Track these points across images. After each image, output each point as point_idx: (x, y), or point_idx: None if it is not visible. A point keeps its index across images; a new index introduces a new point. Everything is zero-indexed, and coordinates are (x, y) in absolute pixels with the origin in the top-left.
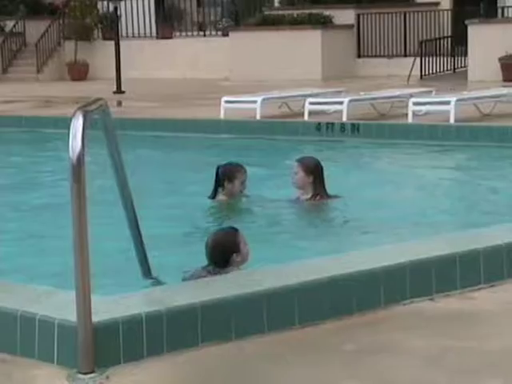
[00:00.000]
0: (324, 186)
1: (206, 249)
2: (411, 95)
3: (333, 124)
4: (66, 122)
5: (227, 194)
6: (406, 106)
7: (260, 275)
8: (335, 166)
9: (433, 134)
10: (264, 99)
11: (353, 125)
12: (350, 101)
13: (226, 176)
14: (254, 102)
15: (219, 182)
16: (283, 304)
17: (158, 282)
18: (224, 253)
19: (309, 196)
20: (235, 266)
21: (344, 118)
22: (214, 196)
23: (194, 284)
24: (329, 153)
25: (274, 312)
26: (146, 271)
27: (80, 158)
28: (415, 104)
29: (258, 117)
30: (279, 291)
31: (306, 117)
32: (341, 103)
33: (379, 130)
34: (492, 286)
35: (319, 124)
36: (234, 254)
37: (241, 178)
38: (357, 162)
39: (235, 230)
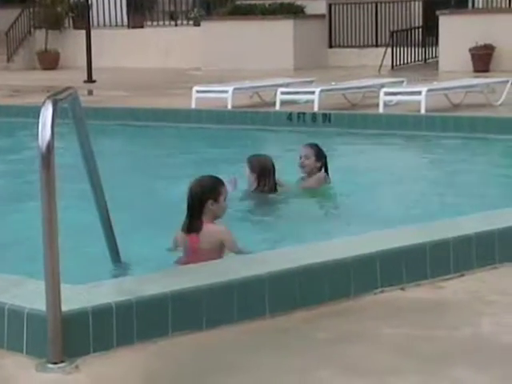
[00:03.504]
0: (274, 182)
1: (188, 188)
2: (382, 85)
3: (304, 114)
4: (35, 111)
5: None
6: (378, 96)
7: (231, 265)
8: None
9: (404, 124)
10: (235, 89)
11: (324, 115)
12: (322, 91)
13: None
14: (226, 91)
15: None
16: (254, 293)
17: (128, 271)
18: (202, 194)
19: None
20: (208, 215)
21: (315, 108)
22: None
23: (164, 273)
24: (300, 143)
25: (244, 301)
26: (117, 260)
27: (49, 147)
28: (386, 94)
29: (229, 106)
30: (250, 281)
31: (277, 107)
32: (312, 93)
33: (351, 119)
34: (462, 275)
35: (290, 114)
36: (211, 201)
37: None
38: (328, 152)
39: (222, 182)
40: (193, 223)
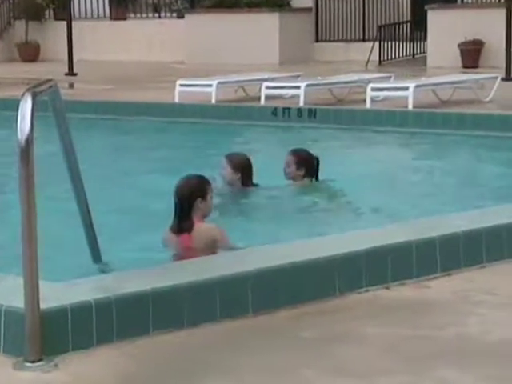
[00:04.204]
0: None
1: (174, 190)
2: (369, 81)
3: (289, 109)
4: (14, 104)
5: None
6: (365, 91)
7: (214, 262)
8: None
9: (391, 120)
10: (219, 83)
11: (310, 110)
12: (308, 85)
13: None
14: (210, 85)
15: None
16: (236, 291)
17: (109, 269)
18: (191, 193)
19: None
20: (197, 214)
21: (301, 103)
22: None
23: (145, 270)
24: (284, 138)
25: (227, 299)
26: (97, 256)
27: (29, 140)
28: (373, 90)
29: (213, 101)
30: (232, 278)
31: (262, 101)
32: (298, 88)
33: (337, 115)
34: (448, 274)
35: (275, 109)
36: (199, 199)
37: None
38: (313, 148)
39: (207, 180)
40: (183, 223)
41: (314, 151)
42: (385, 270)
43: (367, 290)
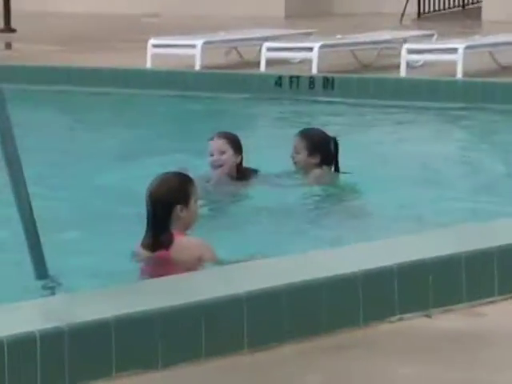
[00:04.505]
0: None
1: (146, 193)
2: (405, 40)
3: (298, 78)
4: None
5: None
6: (399, 54)
7: (198, 281)
8: None
9: (433, 93)
10: (206, 43)
11: (326, 79)
12: (323, 46)
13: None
14: (193, 46)
15: None
16: (228, 320)
17: (58, 287)
18: (169, 198)
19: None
20: (178, 225)
21: (314, 70)
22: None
23: (107, 292)
24: (292, 116)
25: (215, 330)
26: (42, 271)
27: None
28: (410, 52)
29: (197, 66)
30: (222, 302)
31: (262, 67)
32: (310, 50)
33: (361, 86)
34: (509, 297)
35: (280, 78)
36: (179, 206)
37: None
38: (330, 130)
39: (190, 179)
40: (159, 238)
41: (332, 134)
42: (425, 292)
43: (401, 319)
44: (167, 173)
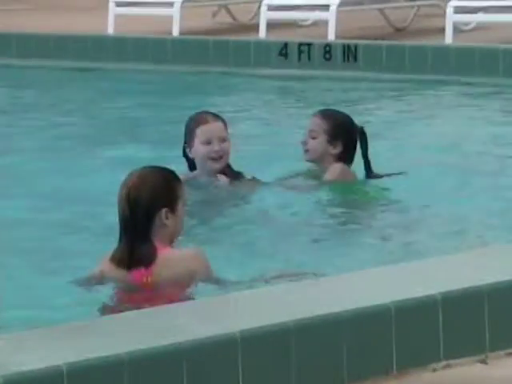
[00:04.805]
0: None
1: (119, 194)
2: None
3: (310, 46)
4: None
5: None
6: (443, 14)
7: (182, 314)
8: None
9: (489, 64)
10: (186, 0)
11: (347, 47)
12: (342, 4)
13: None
14: (169, 4)
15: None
16: (219, 366)
17: None
18: (153, 200)
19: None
20: (161, 234)
21: (331, 36)
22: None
23: (58, 332)
24: (300, 99)
25: (202, 380)
26: None
27: None
28: (458, 11)
29: (175, 32)
30: (211, 344)
31: (262, 33)
32: (325, 8)
33: (393, 56)
34: None
35: (285, 46)
36: (165, 210)
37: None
38: (355, 113)
39: (176, 176)
40: (136, 252)
41: (357, 119)
42: (479, 330)
43: (448, 366)
44: (147, 167)
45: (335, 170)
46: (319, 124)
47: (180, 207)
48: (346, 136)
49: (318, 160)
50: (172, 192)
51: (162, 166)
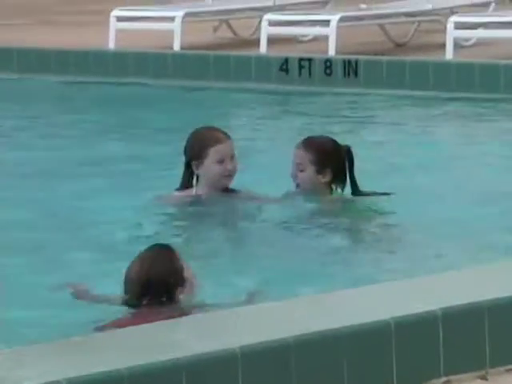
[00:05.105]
0: None
1: (126, 285)
2: (452, 11)
3: (311, 61)
4: None
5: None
6: (444, 29)
7: (182, 330)
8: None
9: (491, 81)
10: (187, 14)
11: (347, 63)
12: (343, 19)
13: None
14: (171, 18)
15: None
16: (216, 380)
17: None
18: (162, 293)
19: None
20: (178, 305)
21: (331, 52)
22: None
23: (55, 347)
24: (301, 115)
25: None
26: None
27: None
28: (459, 26)
29: (176, 46)
30: (210, 359)
31: (262, 48)
32: (326, 23)
33: (393, 72)
34: None
35: (286, 61)
36: (178, 289)
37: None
38: (355, 131)
39: (171, 250)
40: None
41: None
42: (480, 346)
43: (448, 382)
44: (152, 249)
45: (331, 200)
46: (304, 156)
47: (187, 273)
48: (333, 162)
49: (311, 190)
50: (173, 272)
51: (164, 245)
